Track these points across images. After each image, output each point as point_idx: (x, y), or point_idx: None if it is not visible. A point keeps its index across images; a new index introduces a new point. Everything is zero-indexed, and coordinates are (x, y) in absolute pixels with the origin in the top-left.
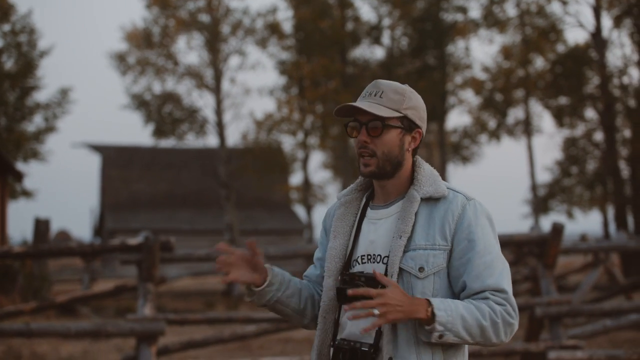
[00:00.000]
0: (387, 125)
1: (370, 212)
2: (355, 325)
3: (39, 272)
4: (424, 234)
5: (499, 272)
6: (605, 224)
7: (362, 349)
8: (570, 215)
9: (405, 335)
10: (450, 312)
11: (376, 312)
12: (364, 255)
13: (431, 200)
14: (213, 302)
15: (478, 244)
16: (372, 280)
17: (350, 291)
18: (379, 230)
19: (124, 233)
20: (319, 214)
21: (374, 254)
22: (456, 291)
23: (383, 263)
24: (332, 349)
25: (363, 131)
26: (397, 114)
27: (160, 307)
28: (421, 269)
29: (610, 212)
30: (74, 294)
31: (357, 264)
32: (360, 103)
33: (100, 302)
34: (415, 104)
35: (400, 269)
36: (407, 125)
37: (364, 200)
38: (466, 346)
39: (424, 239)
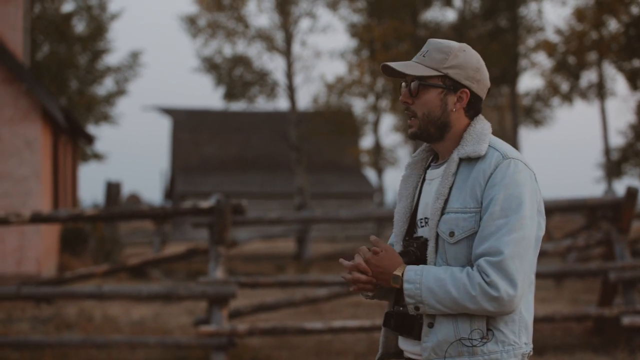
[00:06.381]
0: (424, 85)
1: (428, 173)
2: None
3: (111, 235)
4: (459, 197)
5: (506, 237)
6: None
7: (410, 312)
8: None
9: None
10: (418, 284)
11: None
12: (422, 219)
13: (471, 161)
14: (283, 266)
15: (495, 205)
16: (424, 245)
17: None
18: (431, 191)
19: (194, 196)
20: (390, 177)
21: (426, 217)
22: None
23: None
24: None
25: (405, 91)
26: (435, 73)
27: (231, 270)
28: (451, 234)
29: None
30: (145, 257)
31: (418, 227)
32: (395, 63)
33: (171, 265)
34: (460, 63)
35: (437, 234)
36: (451, 84)
37: (428, 161)
38: (522, 310)
39: (458, 202)
